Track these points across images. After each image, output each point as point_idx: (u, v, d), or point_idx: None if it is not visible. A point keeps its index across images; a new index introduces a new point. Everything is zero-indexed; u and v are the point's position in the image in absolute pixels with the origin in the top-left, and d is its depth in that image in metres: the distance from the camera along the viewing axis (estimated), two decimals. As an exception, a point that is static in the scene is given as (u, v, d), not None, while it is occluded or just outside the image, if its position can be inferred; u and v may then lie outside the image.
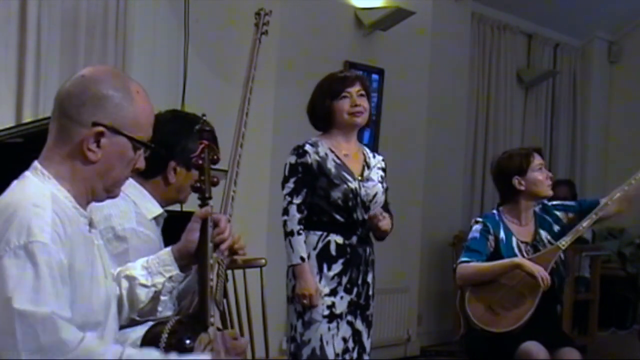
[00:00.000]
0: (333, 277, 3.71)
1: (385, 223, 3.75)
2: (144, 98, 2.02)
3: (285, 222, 3.73)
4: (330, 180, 3.71)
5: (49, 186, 1.93)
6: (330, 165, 3.73)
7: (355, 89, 3.76)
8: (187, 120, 2.78)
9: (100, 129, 1.93)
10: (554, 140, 8.89)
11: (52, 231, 1.83)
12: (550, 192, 4.12)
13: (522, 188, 4.06)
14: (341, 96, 3.74)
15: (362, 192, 3.75)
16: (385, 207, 3.89)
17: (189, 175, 2.71)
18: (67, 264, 1.84)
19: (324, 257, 3.71)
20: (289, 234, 3.71)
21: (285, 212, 3.73)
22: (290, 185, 3.72)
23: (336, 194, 3.70)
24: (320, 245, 3.73)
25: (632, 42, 9.38)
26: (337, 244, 3.73)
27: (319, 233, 3.73)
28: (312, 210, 3.75)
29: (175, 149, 2.70)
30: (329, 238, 3.73)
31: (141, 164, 2.04)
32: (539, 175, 4.07)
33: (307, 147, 3.74)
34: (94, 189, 1.99)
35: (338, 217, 3.73)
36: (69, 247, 1.86)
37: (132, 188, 2.65)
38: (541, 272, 3.88)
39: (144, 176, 2.69)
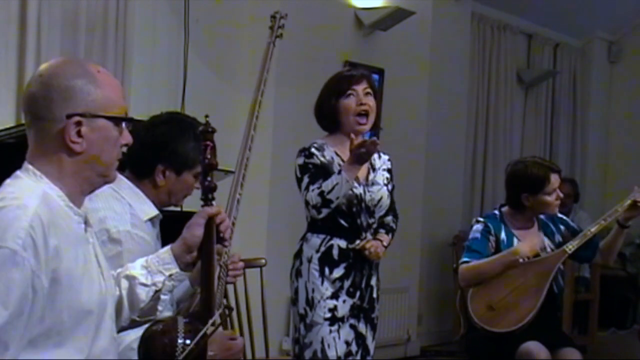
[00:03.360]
0: (335, 281, 3.69)
1: (374, 257, 3.72)
2: (106, 74, 2.01)
3: (311, 206, 3.62)
4: None
5: (42, 185, 1.92)
6: (335, 169, 3.68)
7: (361, 87, 3.71)
8: (181, 124, 2.75)
9: (77, 118, 1.92)
10: (554, 140, 8.89)
11: (26, 236, 1.81)
12: (556, 211, 4.10)
13: (528, 204, 4.05)
14: (347, 94, 3.68)
15: (367, 197, 3.71)
16: (392, 207, 3.87)
17: (179, 180, 2.70)
18: (47, 270, 1.82)
19: (326, 261, 3.68)
20: (323, 202, 3.58)
21: (305, 202, 3.65)
22: (306, 179, 3.65)
23: (341, 200, 3.68)
24: (322, 248, 3.69)
25: (632, 42, 9.38)
26: (340, 249, 3.69)
27: (322, 236, 3.70)
28: None
29: (164, 152, 2.67)
30: (332, 242, 3.69)
31: (127, 139, 2.03)
32: (549, 198, 4.02)
33: (313, 150, 3.69)
34: (88, 179, 1.99)
35: (342, 221, 3.69)
36: (54, 250, 1.85)
37: (127, 189, 2.65)
38: (535, 245, 3.89)
39: (136, 176, 2.68)
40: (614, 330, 8.09)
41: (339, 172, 3.57)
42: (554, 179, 4.03)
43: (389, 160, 3.89)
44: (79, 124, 1.93)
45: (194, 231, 2.14)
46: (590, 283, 7.32)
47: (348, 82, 3.71)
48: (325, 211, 3.62)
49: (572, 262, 6.65)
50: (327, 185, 3.58)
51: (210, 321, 2.04)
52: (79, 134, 1.93)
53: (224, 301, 2.28)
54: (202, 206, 2.17)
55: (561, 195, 4.09)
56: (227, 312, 2.20)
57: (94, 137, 1.95)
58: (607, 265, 4.27)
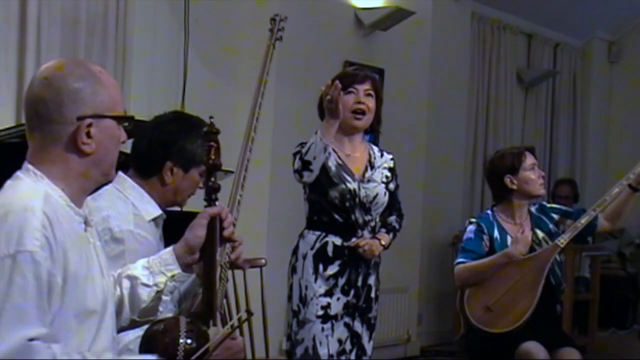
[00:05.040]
0: (329, 278, 3.69)
1: (368, 255, 3.72)
2: (107, 74, 2.04)
3: (295, 172, 3.66)
4: (330, 178, 3.69)
5: (43, 186, 1.93)
6: (332, 163, 3.71)
7: (363, 87, 3.73)
8: (188, 122, 2.77)
9: (89, 121, 1.94)
10: (554, 140, 8.89)
11: (41, 236, 1.82)
12: (542, 191, 4.13)
13: (514, 187, 4.07)
14: (347, 91, 3.71)
15: (362, 193, 3.72)
16: (396, 207, 3.88)
17: (186, 177, 2.70)
18: (56, 270, 1.84)
19: (321, 258, 3.70)
20: (303, 164, 3.62)
21: (294, 172, 3.68)
22: (297, 157, 3.68)
23: (333, 193, 3.69)
24: (317, 245, 3.71)
25: (632, 42, 9.37)
26: (335, 245, 3.71)
27: (318, 233, 3.72)
28: (313, 209, 3.75)
29: (173, 148, 2.68)
30: (326, 239, 3.71)
31: (124, 137, 2.05)
32: (531, 175, 4.07)
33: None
34: (93, 179, 2.01)
35: (337, 217, 3.71)
36: (62, 248, 1.86)
37: (131, 190, 2.65)
38: (528, 244, 3.91)
39: (141, 175, 2.69)
40: (614, 330, 8.09)
41: (315, 133, 3.62)
42: (528, 155, 4.11)
43: (392, 159, 3.90)
44: (89, 125, 1.94)
45: (196, 232, 2.15)
46: (590, 283, 7.32)
47: (351, 80, 3.73)
48: (306, 174, 3.64)
49: (572, 263, 6.67)
50: (305, 148, 3.63)
51: (229, 324, 2.06)
52: (88, 135, 1.95)
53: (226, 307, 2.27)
54: (206, 207, 2.17)
55: (543, 174, 4.12)
56: (243, 317, 2.20)
57: (102, 138, 1.97)
58: (614, 230, 4.24)
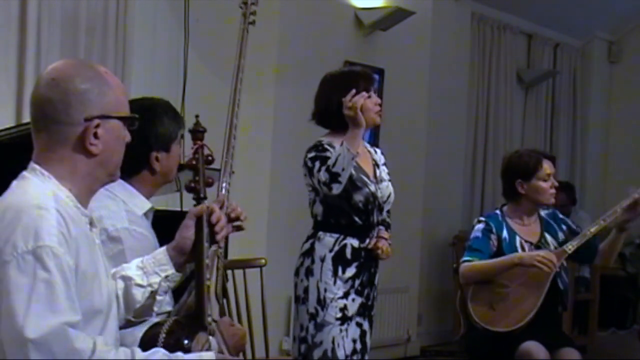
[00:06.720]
0: (347, 280, 3.68)
1: (384, 255, 3.73)
2: (112, 75, 2.05)
3: (322, 184, 3.57)
4: (353, 182, 3.65)
5: (50, 186, 1.93)
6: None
7: (373, 86, 3.78)
8: (150, 107, 2.74)
9: (97, 122, 1.95)
10: (554, 140, 8.89)
11: (58, 233, 1.83)
12: (551, 201, 4.09)
13: (523, 192, 4.05)
14: (369, 94, 3.70)
15: (379, 194, 3.73)
16: None
17: (170, 156, 2.70)
18: (73, 264, 1.85)
19: (340, 261, 3.67)
20: (331, 177, 3.53)
21: (318, 183, 3.60)
22: (317, 165, 3.60)
23: (358, 197, 3.66)
24: (336, 248, 3.67)
25: (632, 42, 9.38)
26: (353, 248, 3.69)
27: (336, 236, 3.68)
28: (330, 212, 3.70)
29: (150, 139, 2.68)
30: (345, 241, 3.68)
31: (128, 137, 2.06)
32: (543, 184, 4.03)
33: (326, 146, 3.67)
34: (99, 179, 2.02)
35: (357, 219, 3.69)
36: (75, 246, 1.87)
37: (119, 187, 2.63)
38: (539, 259, 3.88)
39: (130, 173, 2.67)
40: (614, 330, 8.10)
41: (341, 144, 3.58)
42: (547, 164, 4.07)
43: (382, 154, 3.90)
44: (96, 126, 1.95)
45: (184, 233, 2.16)
46: (590, 283, 7.33)
47: (370, 83, 3.74)
48: (335, 187, 3.58)
49: (573, 265, 6.67)
50: (331, 160, 3.57)
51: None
52: (95, 135, 1.96)
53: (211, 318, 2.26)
54: (194, 206, 2.18)
55: (556, 184, 4.10)
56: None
57: (109, 138, 1.98)
58: (607, 266, 4.26)
